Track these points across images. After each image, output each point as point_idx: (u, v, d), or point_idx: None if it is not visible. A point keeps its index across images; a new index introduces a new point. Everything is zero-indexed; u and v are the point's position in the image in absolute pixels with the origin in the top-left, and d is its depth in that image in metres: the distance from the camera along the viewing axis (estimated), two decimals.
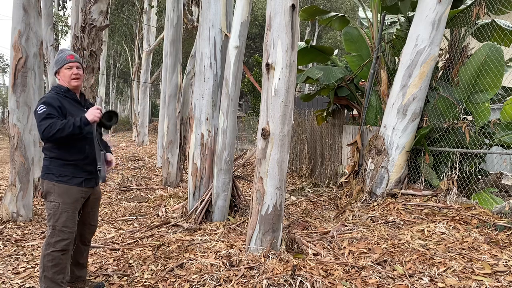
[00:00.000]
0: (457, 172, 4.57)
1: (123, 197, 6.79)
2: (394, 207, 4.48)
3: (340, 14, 6.86)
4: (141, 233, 4.49)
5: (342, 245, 3.53)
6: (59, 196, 2.62)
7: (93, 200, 2.90)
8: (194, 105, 4.97)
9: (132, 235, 4.40)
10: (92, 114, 2.60)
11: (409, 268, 2.97)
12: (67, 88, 2.75)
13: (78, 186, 2.68)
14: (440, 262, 3.04)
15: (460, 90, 5.00)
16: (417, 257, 3.14)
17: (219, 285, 2.84)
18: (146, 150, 15.70)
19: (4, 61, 34.28)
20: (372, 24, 6.16)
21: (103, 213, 5.64)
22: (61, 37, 22.23)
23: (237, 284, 2.82)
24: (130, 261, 3.53)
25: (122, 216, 5.47)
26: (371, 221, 4.21)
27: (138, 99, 20.70)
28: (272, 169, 3.24)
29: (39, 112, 2.56)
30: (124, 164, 10.95)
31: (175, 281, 3.01)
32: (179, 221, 4.74)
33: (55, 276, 2.59)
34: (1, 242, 4.16)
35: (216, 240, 3.85)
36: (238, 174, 6.54)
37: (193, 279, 2.96)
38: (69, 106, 2.69)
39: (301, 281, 2.74)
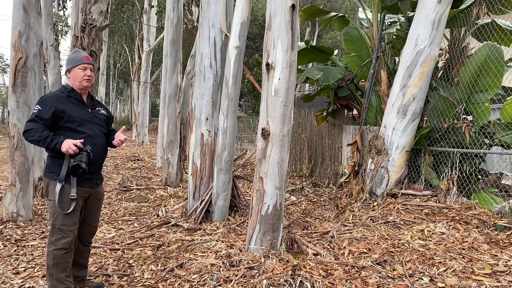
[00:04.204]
0: (457, 172, 4.57)
1: (123, 197, 6.79)
2: (394, 207, 4.48)
3: (340, 14, 6.86)
4: (141, 233, 4.49)
5: (342, 245, 3.53)
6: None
7: (93, 200, 2.89)
8: (194, 105, 4.97)
9: (132, 235, 4.40)
10: (67, 146, 2.53)
11: (409, 268, 2.97)
12: (72, 88, 2.79)
13: (79, 187, 2.68)
14: (440, 262, 3.04)
15: (460, 90, 5.00)
16: (417, 257, 3.14)
17: (219, 285, 2.84)
18: (146, 150, 15.70)
19: (4, 61, 34.27)
20: (372, 24, 6.16)
21: (103, 213, 5.64)
22: (61, 37, 22.24)
23: (237, 284, 2.82)
24: (130, 261, 3.53)
25: (122, 216, 5.47)
26: (371, 221, 4.21)
27: (138, 99, 20.69)
28: (272, 169, 3.24)
29: (33, 111, 2.67)
30: (124, 164, 10.95)
31: (175, 281, 3.01)
32: (179, 221, 4.74)
33: (59, 274, 2.61)
34: (1, 242, 4.16)
35: (216, 240, 3.85)
36: (238, 174, 6.55)
37: (193, 279, 2.96)
38: (71, 107, 2.72)
39: (301, 281, 2.74)
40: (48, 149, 2.65)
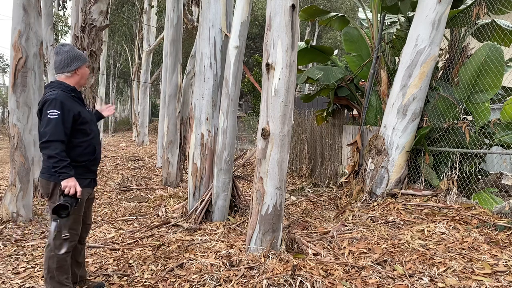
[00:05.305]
0: (457, 172, 4.57)
1: (123, 197, 6.79)
2: (394, 207, 4.48)
3: (340, 14, 6.86)
4: (141, 233, 4.49)
5: (342, 245, 3.53)
6: (81, 200, 2.58)
7: (90, 200, 2.91)
8: (194, 105, 4.97)
9: (132, 235, 4.40)
10: (71, 185, 2.42)
11: (409, 268, 2.97)
12: (74, 87, 2.69)
13: (85, 188, 2.67)
14: (440, 262, 3.04)
15: (460, 90, 5.00)
16: (417, 257, 3.14)
17: (219, 285, 2.84)
18: (146, 150, 15.70)
19: (4, 61, 34.25)
20: (372, 24, 6.16)
21: (103, 213, 5.64)
22: (61, 37, 22.25)
23: (237, 284, 2.82)
24: (130, 261, 3.52)
25: (122, 216, 5.47)
26: (371, 221, 4.21)
27: (138, 99, 20.71)
28: (272, 169, 3.24)
29: (50, 116, 2.43)
30: (124, 164, 10.95)
31: (175, 281, 3.01)
32: (179, 221, 4.74)
33: (60, 277, 2.61)
34: (1, 242, 4.16)
35: (216, 240, 3.85)
36: (238, 174, 6.54)
37: (193, 279, 2.96)
38: (80, 108, 2.64)
39: (301, 281, 2.74)
40: (53, 164, 2.44)
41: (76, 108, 2.59)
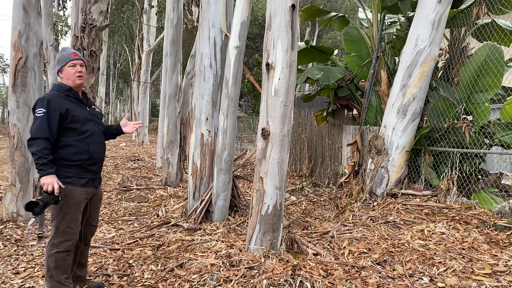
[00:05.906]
0: (457, 172, 4.57)
1: (123, 197, 6.79)
2: (394, 207, 4.48)
3: (340, 14, 6.86)
4: (141, 233, 4.49)
5: (342, 245, 3.53)
6: (63, 198, 2.60)
7: (95, 200, 2.90)
8: (194, 105, 4.97)
9: (132, 235, 4.40)
10: (49, 182, 2.47)
11: (409, 268, 2.97)
12: (69, 87, 2.71)
13: (82, 187, 2.67)
14: (440, 262, 3.04)
15: (460, 90, 5.00)
16: (417, 257, 3.14)
17: (219, 285, 2.84)
18: (146, 150, 15.70)
19: (4, 61, 34.26)
20: (372, 24, 6.16)
21: (103, 213, 5.64)
22: (61, 37, 22.25)
23: (237, 284, 2.82)
24: (130, 261, 3.52)
25: (122, 216, 5.47)
26: (371, 221, 4.21)
27: (138, 99, 20.69)
28: (272, 169, 3.24)
29: (37, 114, 2.53)
30: (124, 164, 10.95)
31: (175, 281, 3.01)
32: (179, 221, 4.74)
33: (60, 276, 2.60)
34: (1, 242, 4.16)
35: (216, 240, 3.85)
36: (238, 174, 6.54)
37: (193, 279, 2.96)
38: (72, 106, 2.66)
39: (301, 281, 2.74)
40: (35, 161, 2.53)
41: (65, 106, 2.60)
